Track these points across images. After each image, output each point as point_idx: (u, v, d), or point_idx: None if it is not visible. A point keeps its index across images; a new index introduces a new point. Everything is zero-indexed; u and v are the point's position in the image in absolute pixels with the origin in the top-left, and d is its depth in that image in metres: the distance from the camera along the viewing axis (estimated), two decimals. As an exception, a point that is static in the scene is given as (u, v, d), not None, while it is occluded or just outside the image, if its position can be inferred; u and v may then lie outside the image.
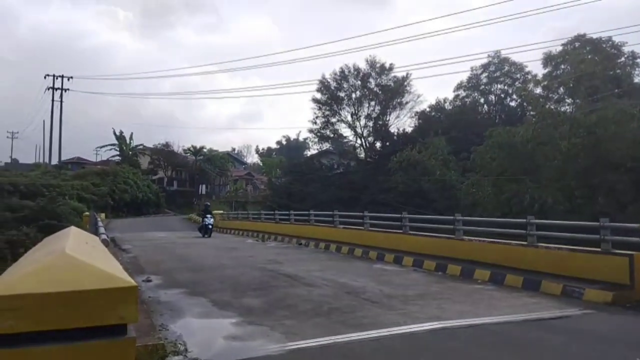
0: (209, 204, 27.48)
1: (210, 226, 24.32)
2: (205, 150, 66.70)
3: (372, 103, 45.04)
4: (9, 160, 69.71)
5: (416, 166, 33.45)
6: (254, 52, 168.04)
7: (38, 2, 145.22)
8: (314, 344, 5.52)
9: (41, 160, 61.40)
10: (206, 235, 23.62)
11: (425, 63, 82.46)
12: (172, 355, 5.04)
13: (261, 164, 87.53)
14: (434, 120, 41.74)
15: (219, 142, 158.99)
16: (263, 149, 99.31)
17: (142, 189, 50.02)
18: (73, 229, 3.66)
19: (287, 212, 23.63)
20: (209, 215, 24.65)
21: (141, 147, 63.05)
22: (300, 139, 73.88)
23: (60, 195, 29.77)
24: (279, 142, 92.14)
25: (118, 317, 1.82)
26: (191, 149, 65.82)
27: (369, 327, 6.20)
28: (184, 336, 5.88)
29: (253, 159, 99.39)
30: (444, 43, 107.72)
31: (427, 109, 44.26)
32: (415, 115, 44.43)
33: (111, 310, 1.80)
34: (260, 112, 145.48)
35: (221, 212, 35.87)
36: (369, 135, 45.74)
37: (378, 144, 45.90)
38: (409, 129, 44.02)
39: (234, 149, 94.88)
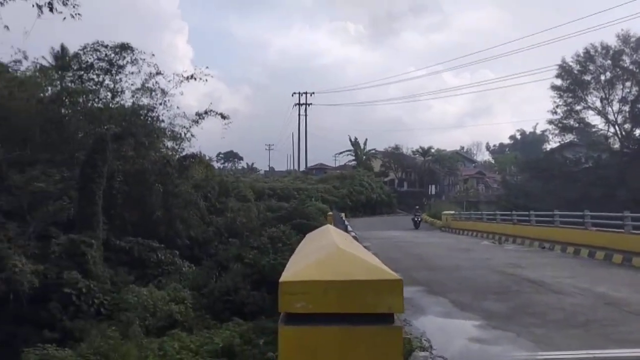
0: None
1: None
2: (433, 150, 66.73)
3: (628, 84, 38.26)
4: (267, 169, 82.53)
5: (695, 155, 27.20)
6: (480, 45, 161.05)
7: (282, 30, 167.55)
8: (568, 357, 5.05)
9: (291, 168, 70.89)
10: None
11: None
12: (419, 350, 5.25)
13: (493, 162, 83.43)
14: None
15: (447, 141, 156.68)
16: (494, 146, 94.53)
17: (375, 191, 52.94)
18: (330, 227, 4.14)
19: (526, 213, 21.87)
20: None
21: (373, 151, 66.74)
22: (537, 131, 67.46)
23: (308, 197, 33.69)
24: (512, 137, 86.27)
25: (387, 307, 2.00)
26: (419, 150, 66.66)
27: (636, 344, 5.39)
28: (427, 333, 6.04)
29: (483, 156, 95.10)
30: None
31: None
32: (690, 93, 36.20)
33: (380, 300, 2.00)
34: (490, 107, 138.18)
35: (452, 212, 35.45)
36: (624, 122, 39.01)
37: (638, 132, 38.86)
38: (681, 111, 36.12)
39: (462, 148, 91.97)
